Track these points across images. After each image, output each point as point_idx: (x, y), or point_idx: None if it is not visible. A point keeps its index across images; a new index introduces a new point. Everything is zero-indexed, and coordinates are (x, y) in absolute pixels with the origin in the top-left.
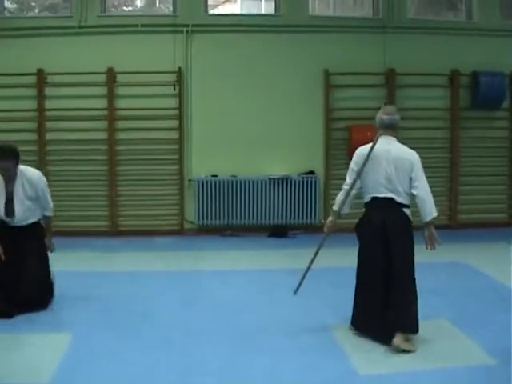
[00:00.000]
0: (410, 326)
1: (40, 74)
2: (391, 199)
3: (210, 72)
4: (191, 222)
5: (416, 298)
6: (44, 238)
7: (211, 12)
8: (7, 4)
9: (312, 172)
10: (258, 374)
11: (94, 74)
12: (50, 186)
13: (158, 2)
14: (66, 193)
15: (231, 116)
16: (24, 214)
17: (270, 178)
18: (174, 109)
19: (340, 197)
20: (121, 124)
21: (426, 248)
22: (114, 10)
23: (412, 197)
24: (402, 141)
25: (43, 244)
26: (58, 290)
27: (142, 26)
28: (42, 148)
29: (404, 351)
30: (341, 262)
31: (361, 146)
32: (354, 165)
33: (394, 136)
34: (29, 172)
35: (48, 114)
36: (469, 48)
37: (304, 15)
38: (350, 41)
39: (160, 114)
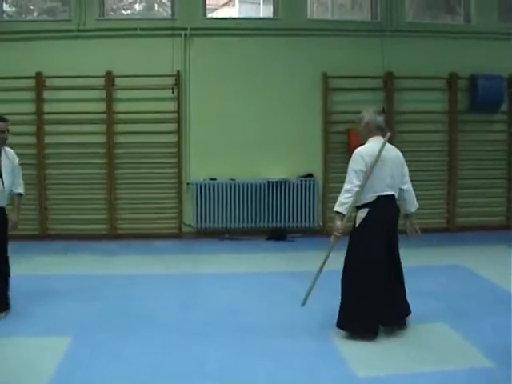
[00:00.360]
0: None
1: (39, 77)
2: (392, 196)
3: (208, 75)
4: (190, 226)
5: None
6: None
7: (209, 15)
8: (6, 7)
9: (311, 175)
10: (256, 377)
11: (92, 77)
12: (48, 189)
13: (156, 5)
14: (65, 196)
15: (230, 119)
16: (9, 186)
17: (268, 181)
18: (173, 112)
19: (347, 199)
20: (119, 127)
21: (409, 238)
22: (112, 13)
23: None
24: (400, 144)
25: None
26: (57, 293)
27: (141, 29)
28: (40, 151)
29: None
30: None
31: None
32: (362, 166)
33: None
34: (6, 147)
35: (47, 117)
36: (467, 51)
37: (302, 19)
38: (349, 44)
39: (158, 117)
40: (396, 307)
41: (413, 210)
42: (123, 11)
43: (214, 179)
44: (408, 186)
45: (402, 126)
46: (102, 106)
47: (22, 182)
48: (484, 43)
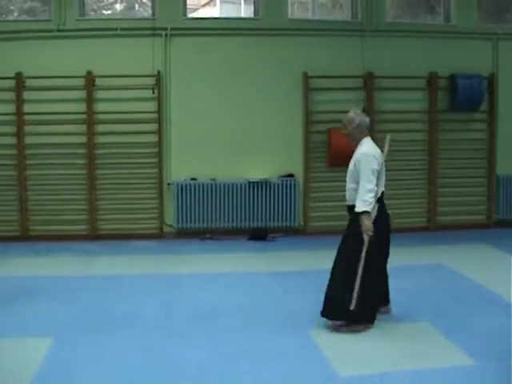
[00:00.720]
0: None
1: (18, 77)
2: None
3: (189, 75)
4: (171, 226)
5: None
6: None
7: (190, 15)
8: None
9: (291, 175)
10: (236, 377)
11: (72, 77)
12: (29, 190)
13: (137, 5)
14: (46, 197)
15: (210, 119)
16: None
17: (249, 182)
18: (153, 112)
19: (372, 198)
20: (100, 128)
21: None
22: (93, 13)
23: None
24: (381, 143)
25: None
26: (39, 294)
27: (121, 29)
28: (20, 152)
29: None
30: (326, 264)
31: (340, 148)
32: (376, 165)
33: None
34: None
35: (27, 117)
36: (447, 51)
37: (283, 18)
38: (329, 44)
39: (139, 117)
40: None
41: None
42: (104, 11)
43: (195, 179)
44: None
45: (382, 126)
46: (83, 107)
47: None
48: (464, 43)
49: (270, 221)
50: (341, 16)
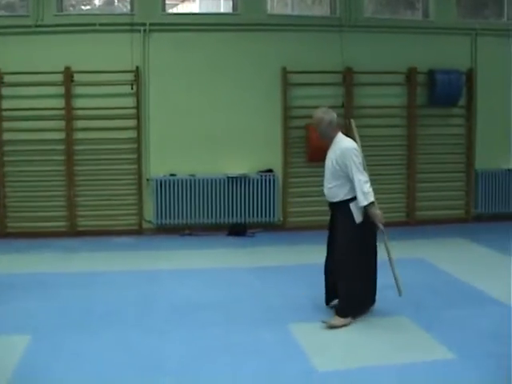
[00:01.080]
0: None
1: None
2: None
3: (167, 71)
4: (150, 222)
5: None
6: None
7: (170, 11)
8: None
9: (270, 170)
10: (216, 372)
11: (50, 73)
12: (7, 186)
13: (116, 1)
14: (24, 194)
15: (189, 115)
16: None
17: (228, 177)
18: (132, 108)
19: (370, 188)
20: (78, 124)
21: None
22: (71, 8)
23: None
24: (360, 138)
25: None
26: (16, 291)
27: (100, 25)
28: None
29: None
30: (305, 259)
31: (319, 144)
32: (360, 159)
33: None
34: None
35: (4, 113)
36: (425, 46)
37: (262, 14)
38: (308, 39)
39: (118, 113)
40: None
41: None
42: (82, 6)
43: (174, 175)
44: None
45: (361, 121)
46: (61, 102)
47: None
48: (442, 38)
49: (249, 216)
50: (320, 11)
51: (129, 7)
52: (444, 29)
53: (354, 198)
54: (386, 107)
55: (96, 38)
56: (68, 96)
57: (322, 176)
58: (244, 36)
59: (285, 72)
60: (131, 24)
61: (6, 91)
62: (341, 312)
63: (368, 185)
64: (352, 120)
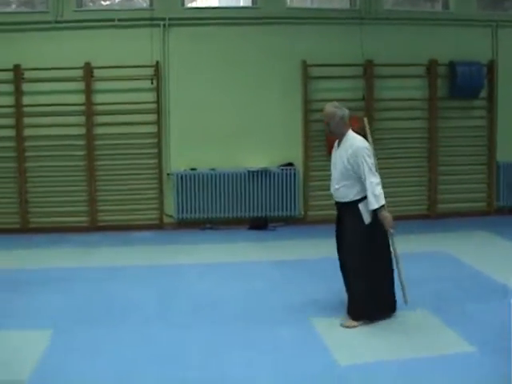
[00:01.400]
0: None
1: (17, 69)
2: None
3: (187, 65)
4: (171, 216)
5: None
6: None
7: (189, 5)
8: None
9: (291, 164)
10: (238, 367)
11: (71, 69)
12: (29, 182)
13: None
14: (45, 189)
15: (209, 109)
16: None
17: (249, 171)
18: (152, 103)
19: (381, 190)
20: (99, 119)
21: None
22: (91, 4)
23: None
24: (380, 131)
25: None
26: (38, 286)
27: (119, 20)
28: (20, 144)
29: None
30: (327, 253)
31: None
32: (372, 159)
33: None
34: None
35: (25, 109)
36: (446, 38)
37: (281, 7)
38: (328, 32)
39: (138, 108)
40: None
41: None
42: (102, 2)
43: (195, 169)
44: None
45: (381, 114)
46: (81, 98)
47: None
48: (463, 30)
49: (270, 210)
50: (339, 4)
51: (148, 2)
52: (464, 20)
53: (364, 198)
54: (406, 100)
55: (116, 33)
56: (88, 91)
57: None
58: (263, 30)
59: (305, 65)
60: (151, 19)
61: (26, 87)
62: (352, 313)
63: (379, 187)
64: (365, 118)
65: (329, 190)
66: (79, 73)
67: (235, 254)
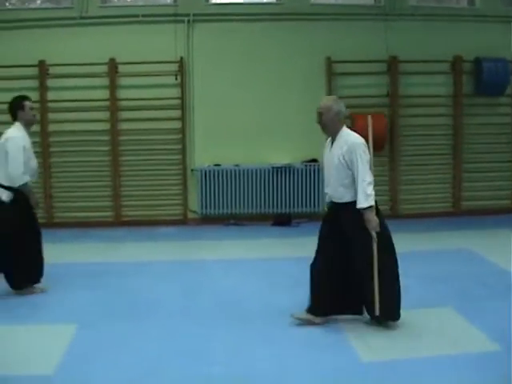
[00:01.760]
0: None
1: (42, 65)
2: None
3: (211, 61)
4: (195, 212)
5: None
6: None
7: (213, 1)
8: None
9: (315, 160)
10: (262, 363)
11: (95, 64)
12: (53, 177)
13: None
14: (70, 184)
15: (233, 105)
16: None
17: (272, 167)
18: (177, 98)
19: (372, 191)
20: (123, 114)
21: None
22: (115, 0)
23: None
24: (405, 128)
25: None
26: (63, 280)
27: (143, 16)
28: (44, 139)
29: None
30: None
31: (364, 133)
32: (368, 155)
33: None
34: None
35: (50, 105)
36: (471, 34)
37: (305, 3)
38: (352, 28)
39: (162, 103)
40: None
41: None
42: None
43: (219, 165)
44: None
45: (406, 110)
46: (106, 94)
47: None
48: (488, 26)
49: (293, 206)
50: (364, 0)
51: None
52: (490, 17)
53: None
54: (431, 96)
55: (140, 29)
56: (113, 87)
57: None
58: (287, 26)
59: (329, 61)
60: (175, 15)
61: (51, 83)
62: (385, 315)
63: (371, 187)
64: (369, 116)
65: None
66: (104, 68)
67: (259, 250)
